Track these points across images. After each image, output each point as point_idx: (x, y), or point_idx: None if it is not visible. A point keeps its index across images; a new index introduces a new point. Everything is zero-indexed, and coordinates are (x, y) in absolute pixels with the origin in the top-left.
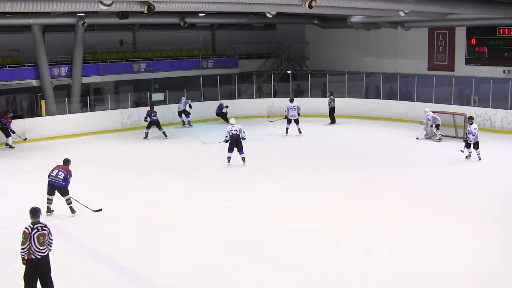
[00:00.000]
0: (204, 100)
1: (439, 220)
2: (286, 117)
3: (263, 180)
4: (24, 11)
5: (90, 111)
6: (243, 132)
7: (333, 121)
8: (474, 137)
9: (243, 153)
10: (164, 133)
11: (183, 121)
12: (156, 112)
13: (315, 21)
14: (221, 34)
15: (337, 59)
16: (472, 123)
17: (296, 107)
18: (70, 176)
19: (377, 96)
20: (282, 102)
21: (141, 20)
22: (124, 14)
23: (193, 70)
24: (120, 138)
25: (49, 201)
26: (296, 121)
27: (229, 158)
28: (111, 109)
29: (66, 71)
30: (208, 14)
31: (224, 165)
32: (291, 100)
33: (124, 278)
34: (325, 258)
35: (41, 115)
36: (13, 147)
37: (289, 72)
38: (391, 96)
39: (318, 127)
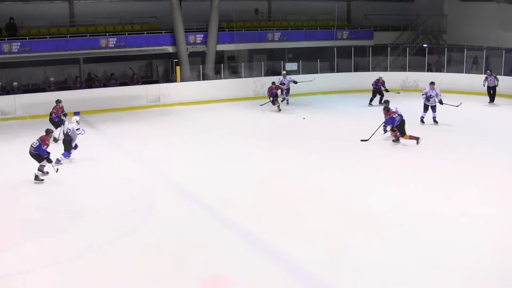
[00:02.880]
0: (338, 71)
1: None
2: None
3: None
4: None
5: (223, 78)
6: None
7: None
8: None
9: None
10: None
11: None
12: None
13: None
14: (357, 4)
15: (476, 34)
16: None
17: (436, 93)
18: (45, 144)
19: None
20: (416, 77)
21: None
22: None
23: (327, 40)
24: (252, 106)
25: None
26: (434, 108)
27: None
28: (244, 77)
29: (202, 39)
30: None
31: (346, 139)
32: (432, 84)
33: (250, 244)
34: (446, 240)
35: (175, 81)
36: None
37: (425, 45)
38: None
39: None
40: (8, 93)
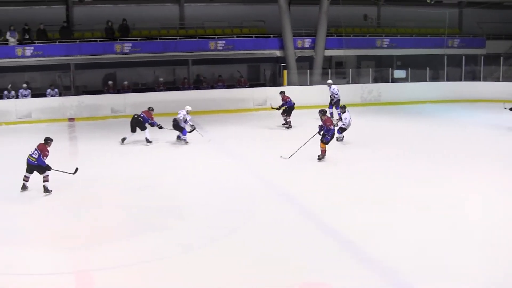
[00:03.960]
0: (447, 80)
1: None
2: None
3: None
4: None
5: None
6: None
7: None
8: None
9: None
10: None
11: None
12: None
13: None
14: (469, 12)
15: None
16: None
17: None
18: (45, 155)
19: None
20: None
21: None
22: None
23: (437, 48)
24: (359, 113)
25: (26, 178)
26: None
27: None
28: (351, 83)
29: (310, 43)
30: None
31: (453, 150)
32: None
33: (348, 252)
34: None
35: (282, 85)
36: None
37: None
38: None
39: None
40: (118, 92)
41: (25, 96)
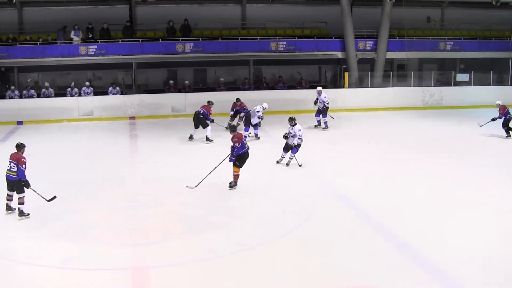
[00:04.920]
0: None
1: None
2: None
3: None
4: None
5: (392, 86)
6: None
7: None
8: None
9: None
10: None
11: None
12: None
13: None
14: None
15: None
16: None
17: None
18: (22, 164)
19: None
20: None
21: None
22: None
23: (502, 52)
24: (419, 116)
25: (9, 198)
26: None
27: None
28: (413, 86)
29: (371, 45)
30: None
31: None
32: None
33: (404, 255)
34: None
35: (343, 87)
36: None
37: None
38: None
39: None
40: (179, 91)
41: (87, 94)
